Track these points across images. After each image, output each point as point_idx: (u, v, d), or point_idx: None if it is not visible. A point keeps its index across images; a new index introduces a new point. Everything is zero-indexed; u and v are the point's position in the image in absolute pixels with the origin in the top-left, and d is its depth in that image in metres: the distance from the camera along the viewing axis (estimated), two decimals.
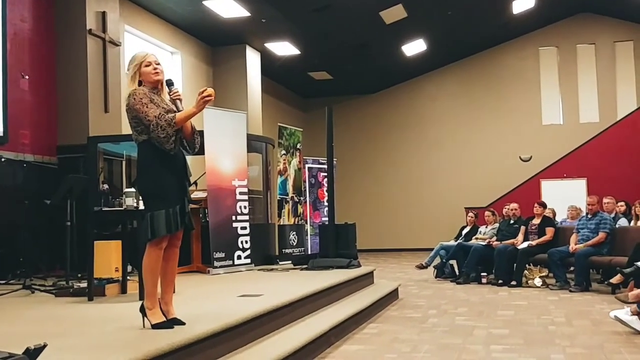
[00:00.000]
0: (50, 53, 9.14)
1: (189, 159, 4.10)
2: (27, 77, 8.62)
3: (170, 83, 3.98)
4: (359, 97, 19.62)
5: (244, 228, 8.56)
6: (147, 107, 3.80)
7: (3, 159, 7.86)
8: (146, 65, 3.89)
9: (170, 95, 3.94)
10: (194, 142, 3.98)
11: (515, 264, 9.07)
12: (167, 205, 3.81)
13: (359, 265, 8.04)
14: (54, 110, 9.16)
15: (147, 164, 3.86)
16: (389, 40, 15.56)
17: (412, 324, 6.01)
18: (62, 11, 9.23)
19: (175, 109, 3.90)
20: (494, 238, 9.77)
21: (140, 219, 5.35)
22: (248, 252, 8.55)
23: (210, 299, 5.55)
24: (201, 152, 8.20)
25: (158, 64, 3.94)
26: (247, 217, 8.66)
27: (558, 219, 11.22)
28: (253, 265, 8.58)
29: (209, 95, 3.80)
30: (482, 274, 9.41)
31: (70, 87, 9.16)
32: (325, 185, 10.78)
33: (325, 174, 10.85)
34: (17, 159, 8.22)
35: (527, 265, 9.01)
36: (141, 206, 5.39)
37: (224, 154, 8.48)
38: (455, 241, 10.51)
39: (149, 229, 3.76)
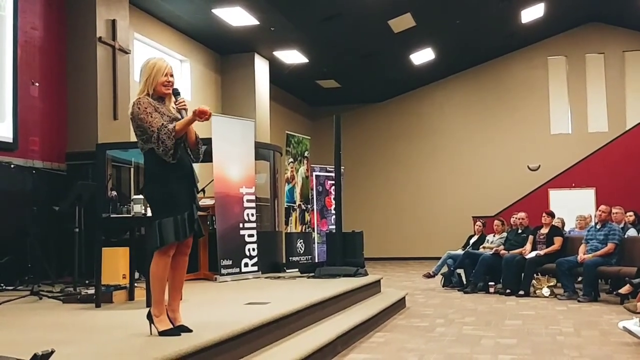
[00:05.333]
0: (60, 60, 9.20)
1: (196, 166, 4.11)
2: (37, 84, 8.68)
3: (176, 92, 3.99)
4: (367, 105, 19.64)
5: (251, 235, 8.57)
6: (151, 116, 3.80)
7: (13, 166, 7.90)
8: (164, 75, 3.92)
9: (176, 104, 3.96)
10: (198, 151, 4.00)
11: (523, 274, 9.02)
12: (175, 212, 3.81)
13: (366, 274, 8.02)
14: (64, 117, 9.21)
15: (155, 172, 3.87)
16: (397, 49, 15.58)
17: (420, 333, 5.99)
18: (73, 19, 9.32)
19: (180, 117, 3.92)
20: (502, 247, 9.73)
21: (148, 226, 5.37)
22: (255, 259, 8.55)
23: (217, 307, 5.55)
24: (209, 159, 8.23)
25: (172, 75, 3.97)
26: (254, 225, 8.66)
27: (566, 228, 11.16)
28: (260, 272, 8.58)
29: (204, 113, 3.80)
30: (490, 283, 9.37)
31: (79, 94, 9.22)
32: (333, 193, 10.76)
33: (333, 182, 10.85)
34: (27, 165, 8.27)
35: (535, 275, 8.97)
36: (149, 213, 5.41)
37: (231, 161, 8.50)
38: (463, 250, 10.47)
39: (157, 236, 3.76)
